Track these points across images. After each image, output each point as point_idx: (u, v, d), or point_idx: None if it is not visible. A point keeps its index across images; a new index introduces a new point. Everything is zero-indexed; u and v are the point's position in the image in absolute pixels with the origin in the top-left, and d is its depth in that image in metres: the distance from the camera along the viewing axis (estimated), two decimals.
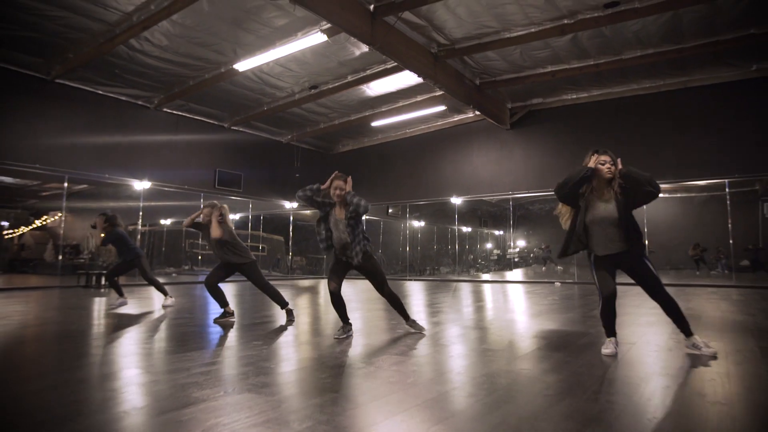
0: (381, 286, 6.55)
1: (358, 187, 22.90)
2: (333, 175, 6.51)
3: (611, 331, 5.37)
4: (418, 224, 28.73)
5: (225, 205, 8.34)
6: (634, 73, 16.68)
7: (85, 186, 18.02)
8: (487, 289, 16.38)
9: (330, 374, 4.37)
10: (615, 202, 5.36)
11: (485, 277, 25.36)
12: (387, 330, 6.97)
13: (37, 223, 29.93)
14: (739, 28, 13.39)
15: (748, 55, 15.15)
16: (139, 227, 18.91)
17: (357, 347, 5.67)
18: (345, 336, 6.31)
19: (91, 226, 11.09)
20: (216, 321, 7.86)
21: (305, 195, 6.40)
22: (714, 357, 4.98)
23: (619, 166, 5.45)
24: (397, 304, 6.70)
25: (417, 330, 6.72)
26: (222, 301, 8.16)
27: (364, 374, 4.38)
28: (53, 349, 5.66)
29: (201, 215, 8.30)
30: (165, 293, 10.68)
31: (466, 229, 32.90)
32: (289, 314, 7.89)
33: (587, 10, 12.53)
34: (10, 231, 29.45)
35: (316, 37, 13.46)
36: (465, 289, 15.93)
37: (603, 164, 5.38)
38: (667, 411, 3.35)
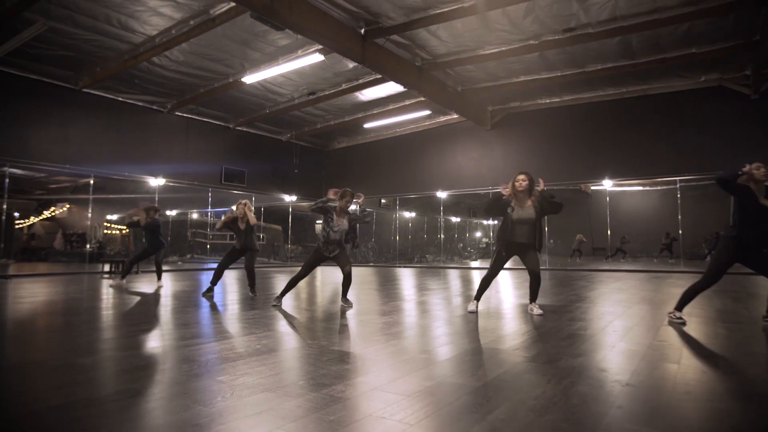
0: (345, 267, 8.53)
1: (352, 180, 25.01)
2: (342, 191, 8.68)
3: (479, 297, 8.01)
4: (408, 215, 30.69)
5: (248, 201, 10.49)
6: (599, 81, 18.61)
7: (90, 179, 19.36)
8: (453, 274, 18.34)
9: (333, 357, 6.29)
10: (533, 210, 7.56)
11: (473, 264, 27.30)
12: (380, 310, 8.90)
13: (46, 213, 31.31)
14: (681, 48, 15.51)
15: (695, 68, 17.22)
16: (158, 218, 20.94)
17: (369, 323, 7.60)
18: (278, 304, 8.65)
19: (132, 217, 13.12)
20: (204, 295, 10.10)
21: (317, 207, 8.36)
22: (541, 315, 7.43)
23: (542, 187, 7.56)
24: (347, 283, 8.58)
25: (347, 306, 8.55)
26: (217, 280, 10.36)
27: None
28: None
29: (236, 212, 10.22)
30: (159, 278, 12.89)
31: (455, 219, 34.95)
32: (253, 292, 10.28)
33: (549, 33, 14.45)
34: (20, 221, 30.83)
35: (313, 57, 15.42)
36: (443, 275, 17.88)
37: (519, 180, 7.57)
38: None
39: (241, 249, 10.34)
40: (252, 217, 10.32)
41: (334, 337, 5.80)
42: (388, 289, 12.31)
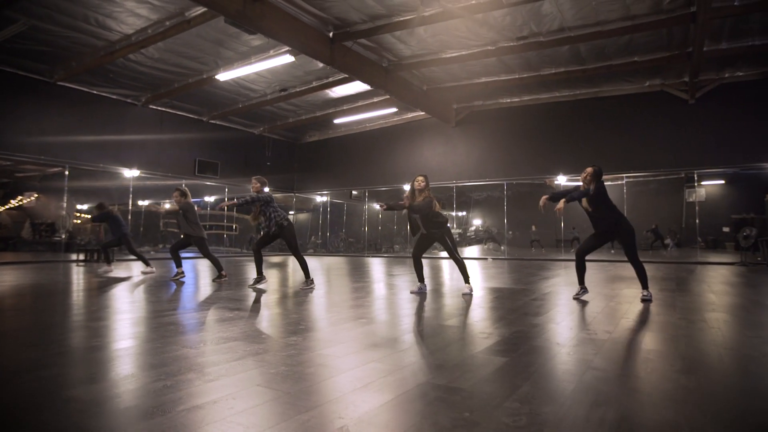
0: (294, 250, 9.48)
1: (324, 173, 26.16)
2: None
3: (420, 278, 9.05)
4: (377, 207, 31.69)
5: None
6: (555, 84, 19.95)
7: (59, 169, 19.76)
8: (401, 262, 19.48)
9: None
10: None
11: (442, 254, 28.47)
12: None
13: (13, 203, 30.81)
14: (625, 56, 16.96)
15: (640, 74, 18.74)
16: (130, 208, 21.56)
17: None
18: (261, 285, 9.62)
19: (156, 207, 13.91)
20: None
21: (260, 197, 9.56)
22: (470, 294, 8.56)
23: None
24: (303, 265, 9.47)
25: (308, 287, 9.26)
26: (178, 262, 11.54)
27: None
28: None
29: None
30: (146, 263, 13.53)
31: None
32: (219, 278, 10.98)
33: (504, 40, 15.64)
34: None
35: (285, 57, 16.46)
36: (409, 264, 19.00)
37: (417, 181, 8.73)
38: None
39: (185, 237, 11.38)
40: (172, 206, 11.26)
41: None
42: (355, 278, 13.35)
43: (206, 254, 11.28)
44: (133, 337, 4.98)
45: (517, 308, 7.05)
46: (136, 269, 14.54)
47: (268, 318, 6.33)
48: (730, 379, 3.67)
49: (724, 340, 4.91)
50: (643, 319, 6.19)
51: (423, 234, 8.78)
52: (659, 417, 2.82)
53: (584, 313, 6.64)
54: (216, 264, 11.18)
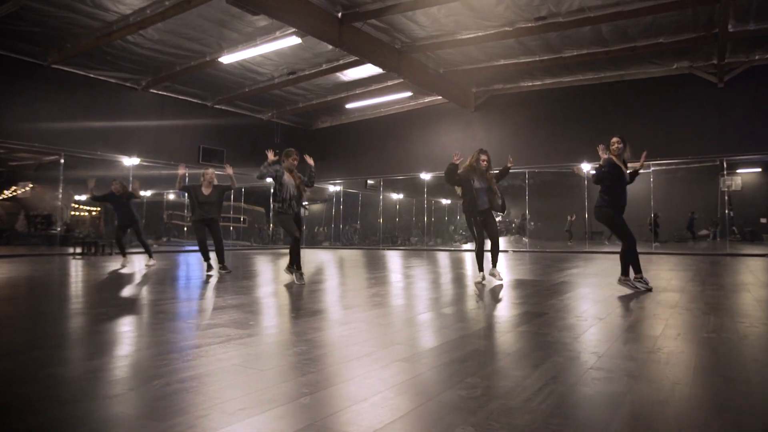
0: (300, 229, 9.59)
1: (337, 161, 26.20)
2: (286, 151, 9.74)
3: (480, 269, 9.42)
4: (396, 197, 31.96)
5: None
6: (577, 67, 20.02)
7: (55, 157, 19.69)
8: (437, 257, 19.61)
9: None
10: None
11: (465, 247, 28.59)
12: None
13: (7, 193, 30.56)
14: (649, 37, 16.99)
15: (667, 56, 18.73)
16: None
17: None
18: (301, 280, 9.29)
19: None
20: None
21: (265, 171, 9.44)
22: (501, 282, 9.10)
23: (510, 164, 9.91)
24: (298, 250, 9.47)
25: (298, 280, 9.19)
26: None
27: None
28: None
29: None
30: (150, 255, 13.79)
31: (445, 201, 36.17)
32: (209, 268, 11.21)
33: (522, 21, 15.74)
34: None
35: (290, 40, 16.54)
36: (428, 258, 19.16)
37: (483, 160, 9.45)
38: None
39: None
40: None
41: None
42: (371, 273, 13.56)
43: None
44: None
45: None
46: (138, 262, 14.78)
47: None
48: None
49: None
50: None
51: (479, 216, 9.32)
52: None
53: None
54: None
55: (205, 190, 11.25)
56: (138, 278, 10.48)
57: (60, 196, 20.79)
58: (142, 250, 14.23)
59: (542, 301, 7.15)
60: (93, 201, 15.18)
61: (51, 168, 19.90)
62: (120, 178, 14.20)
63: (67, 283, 9.69)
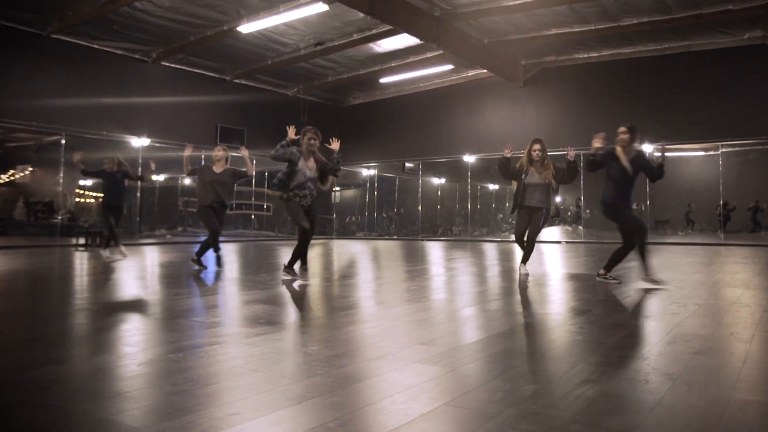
0: (313, 222, 9.02)
1: (371, 142, 26.19)
2: (304, 129, 8.92)
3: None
4: (438, 181, 31.90)
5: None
6: (637, 36, 19.74)
7: (57, 137, 19.56)
8: (485, 250, 19.57)
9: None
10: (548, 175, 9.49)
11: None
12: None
13: (4, 177, 30.81)
14: (717, 3, 16.69)
15: (737, 24, 18.35)
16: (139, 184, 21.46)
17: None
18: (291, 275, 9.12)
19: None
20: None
21: (280, 151, 8.62)
22: (527, 277, 9.31)
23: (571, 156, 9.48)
24: (306, 244, 9.13)
25: (291, 276, 8.93)
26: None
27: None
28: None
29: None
30: (107, 245, 13.28)
31: (492, 187, 36.01)
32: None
33: None
34: None
35: (317, 6, 16.44)
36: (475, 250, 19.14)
37: (534, 150, 9.58)
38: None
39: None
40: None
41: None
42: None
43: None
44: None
45: None
46: (149, 255, 14.86)
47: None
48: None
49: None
50: None
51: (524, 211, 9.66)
52: None
53: None
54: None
55: (217, 168, 10.62)
56: (156, 272, 10.59)
57: (61, 181, 20.56)
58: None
59: (589, 297, 7.17)
60: (84, 176, 14.75)
61: (53, 150, 19.73)
62: (111, 157, 13.31)
63: (68, 277, 9.83)
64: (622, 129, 8.31)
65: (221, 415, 2.79)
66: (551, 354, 4.38)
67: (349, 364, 3.87)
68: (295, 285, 8.35)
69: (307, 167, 8.80)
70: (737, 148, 20.95)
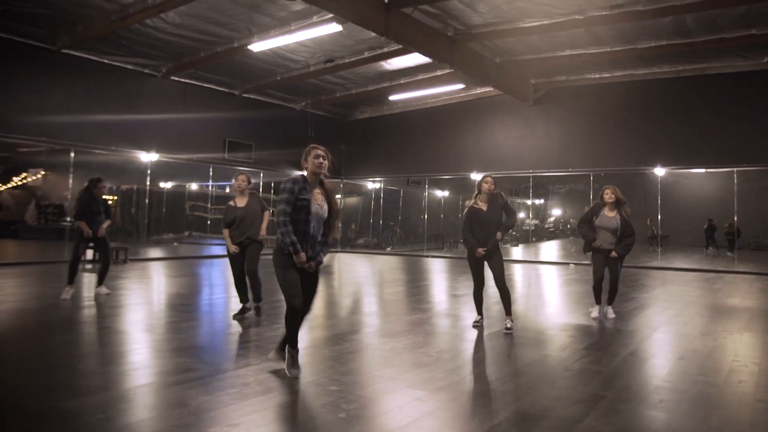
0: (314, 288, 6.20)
1: (376, 156, 25.39)
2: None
3: (598, 300, 9.91)
4: (442, 194, 31.21)
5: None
6: (653, 58, 19.00)
7: (68, 149, 19.00)
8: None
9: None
10: (618, 218, 9.56)
11: (513, 251, 27.78)
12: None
13: (16, 180, 30.89)
14: (740, 28, 16.01)
15: (757, 49, 17.65)
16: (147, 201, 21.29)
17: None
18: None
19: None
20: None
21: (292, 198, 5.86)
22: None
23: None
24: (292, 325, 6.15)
25: (289, 370, 5.85)
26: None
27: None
28: None
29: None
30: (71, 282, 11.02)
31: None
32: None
33: (595, 8, 14.82)
34: None
35: (330, 27, 15.79)
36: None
37: (607, 194, 9.59)
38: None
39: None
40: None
41: None
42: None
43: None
44: None
45: None
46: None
47: None
48: None
49: None
50: None
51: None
52: None
53: None
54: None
55: (240, 201, 9.05)
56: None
57: (70, 188, 19.32)
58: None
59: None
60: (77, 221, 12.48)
61: (64, 154, 19.23)
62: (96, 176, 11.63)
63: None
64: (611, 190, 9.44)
65: None
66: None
67: None
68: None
69: (317, 209, 6.01)
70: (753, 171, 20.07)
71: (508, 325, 8.43)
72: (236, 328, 8.31)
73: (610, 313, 9.67)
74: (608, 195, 9.53)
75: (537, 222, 37.17)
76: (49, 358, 6.34)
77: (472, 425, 4.53)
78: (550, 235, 37.08)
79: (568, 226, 30.84)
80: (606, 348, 7.40)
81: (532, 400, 5.12)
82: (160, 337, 7.62)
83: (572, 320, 9.66)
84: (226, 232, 8.98)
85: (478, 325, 8.68)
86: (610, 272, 9.56)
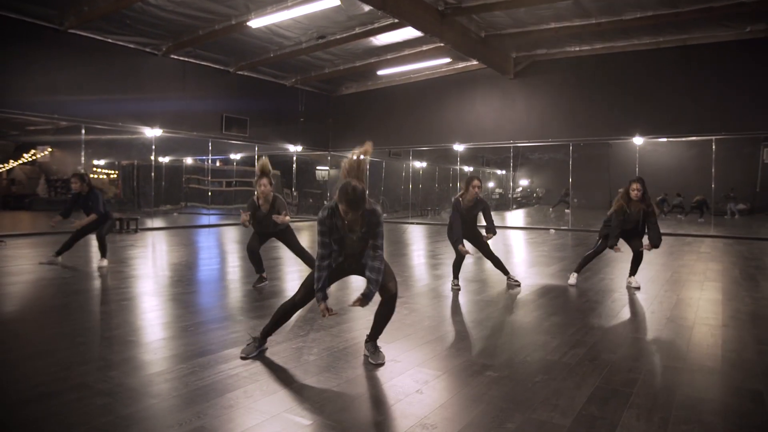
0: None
1: (361, 130, 25.52)
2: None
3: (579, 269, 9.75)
4: (420, 165, 31.45)
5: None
6: (635, 30, 18.91)
7: (77, 125, 19.08)
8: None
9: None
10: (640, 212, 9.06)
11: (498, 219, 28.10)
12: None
13: (26, 157, 31.65)
14: None
15: (741, 18, 17.43)
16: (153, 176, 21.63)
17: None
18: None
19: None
20: None
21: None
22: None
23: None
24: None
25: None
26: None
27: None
28: None
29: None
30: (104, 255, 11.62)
31: (467, 169, 35.75)
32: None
33: None
34: None
35: (328, 1, 15.63)
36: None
37: (634, 190, 8.90)
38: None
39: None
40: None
41: None
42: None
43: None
44: None
45: None
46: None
47: None
48: None
49: None
50: None
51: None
52: None
53: None
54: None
55: (263, 207, 8.84)
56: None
57: (83, 163, 19.17)
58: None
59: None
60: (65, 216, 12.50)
61: (71, 131, 19.41)
62: (76, 173, 12.37)
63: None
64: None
65: None
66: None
67: None
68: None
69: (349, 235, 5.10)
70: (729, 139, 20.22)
71: (516, 279, 9.34)
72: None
73: (635, 283, 9.17)
74: (635, 193, 8.88)
75: (501, 191, 37.69)
76: (100, 330, 6.19)
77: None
78: (529, 203, 37.61)
79: (546, 192, 31.25)
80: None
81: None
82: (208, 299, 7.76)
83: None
84: (245, 215, 8.78)
85: (456, 288, 9.01)
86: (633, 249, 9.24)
